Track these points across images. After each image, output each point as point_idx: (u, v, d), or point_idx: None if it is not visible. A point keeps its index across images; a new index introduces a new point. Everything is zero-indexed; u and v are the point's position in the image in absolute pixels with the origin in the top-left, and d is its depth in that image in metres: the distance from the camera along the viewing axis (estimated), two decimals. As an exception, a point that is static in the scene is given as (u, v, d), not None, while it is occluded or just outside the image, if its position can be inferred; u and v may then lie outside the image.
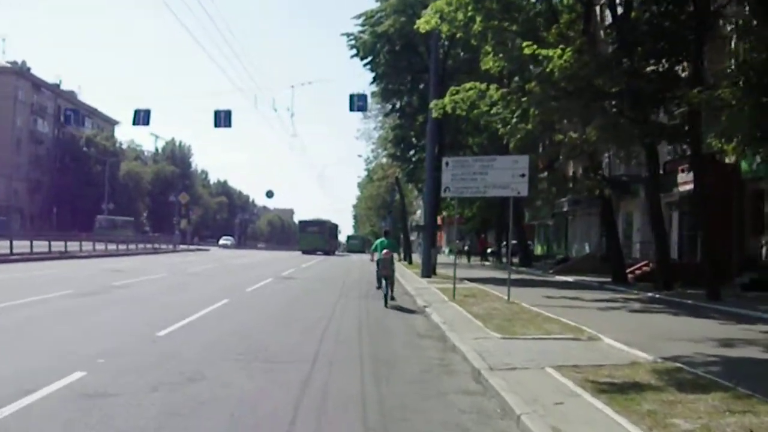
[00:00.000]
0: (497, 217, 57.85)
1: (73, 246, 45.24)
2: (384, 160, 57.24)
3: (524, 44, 21.68)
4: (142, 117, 36.44)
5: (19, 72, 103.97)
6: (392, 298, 20.81)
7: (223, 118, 35.63)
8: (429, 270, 32.54)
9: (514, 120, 24.50)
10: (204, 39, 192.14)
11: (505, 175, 20.59)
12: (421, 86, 36.74)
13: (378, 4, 36.93)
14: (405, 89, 38.70)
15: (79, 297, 18.90)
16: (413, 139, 40.02)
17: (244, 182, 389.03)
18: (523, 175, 20.33)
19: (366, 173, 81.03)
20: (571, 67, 20.73)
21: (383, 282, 21.23)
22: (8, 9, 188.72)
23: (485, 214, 59.54)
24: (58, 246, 43.05)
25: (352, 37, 36.95)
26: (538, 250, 63.43)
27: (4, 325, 13.53)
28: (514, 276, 37.81)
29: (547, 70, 21.16)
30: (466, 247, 66.96)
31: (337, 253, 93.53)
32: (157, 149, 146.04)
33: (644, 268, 33.65)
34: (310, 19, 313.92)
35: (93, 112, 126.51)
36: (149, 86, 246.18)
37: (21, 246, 38.11)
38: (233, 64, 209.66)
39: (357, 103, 34.86)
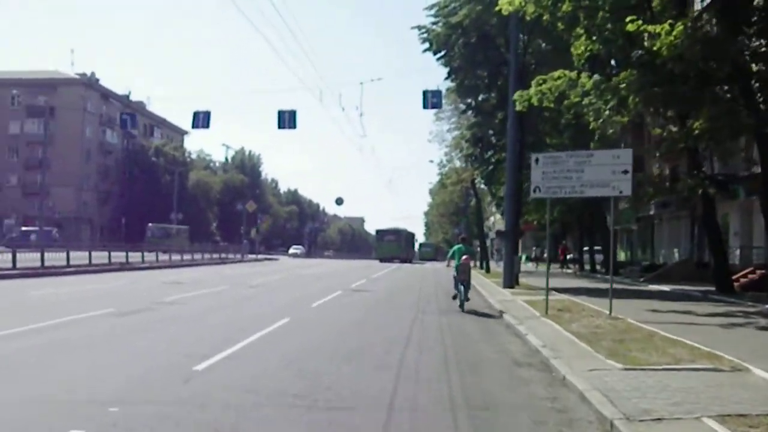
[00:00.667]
0: (578, 221, 54.82)
1: (135, 257, 43.66)
2: (458, 163, 54.72)
3: (628, 19, 18.83)
4: (201, 119, 34.38)
5: (88, 83, 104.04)
6: (467, 299, 21.58)
7: (287, 119, 33.34)
8: (512, 279, 29.76)
9: (607, 112, 21.84)
10: (272, 37, 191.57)
11: (605, 172, 17.88)
12: (500, 82, 33.92)
13: (450, -5, 34.20)
14: (482, 85, 35.87)
15: (119, 317, 16.59)
16: (492, 139, 37.33)
17: (314, 190, 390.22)
18: (626, 172, 17.58)
19: (438, 178, 78.64)
20: (682, 45, 17.82)
21: (461, 287, 21.48)
22: (77, 22, 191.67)
23: (565, 218, 56.42)
24: (119, 257, 41.32)
25: (424, 29, 34.25)
26: (621, 256, 59.99)
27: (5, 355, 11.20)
28: (601, 285, 35.28)
29: (655, 47, 18.28)
30: (544, 254, 63.98)
31: (414, 261, 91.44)
32: (227, 159, 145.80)
33: (750, 276, 30.46)
34: (377, 17, 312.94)
35: (162, 123, 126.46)
36: (217, 95, 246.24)
37: (79, 258, 36.47)
38: (302, 62, 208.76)
39: (431, 100, 32.15)
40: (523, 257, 71.85)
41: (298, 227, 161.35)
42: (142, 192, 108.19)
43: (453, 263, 21.99)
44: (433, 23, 34.23)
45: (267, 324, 15.61)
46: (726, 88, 20.76)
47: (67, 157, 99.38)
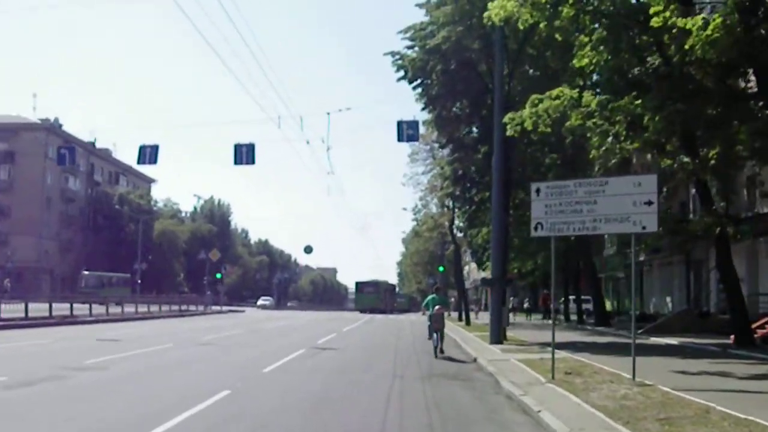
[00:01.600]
0: (563, 268, 51.58)
1: (82, 310, 39.69)
2: (434, 208, 51.38)
3: (652, 11, 15.39)
4: (148, 155, 30.49)
5: (50, 128, 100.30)
6: (442, 351, 22.49)
7: (245, 153, 29.43)
8: (499, 334, 26.03)
9: (610, 139, 18.52)
10: (239, 70, 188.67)
11: (624, 204, 14.42)
12: (483, 112, 30.57)
13: (427, 17, 30.76)
14: (463, 116, 32.45)
15: (3, 389, 12.71)
16: (474, 175, 34.01)
17: (285, 239, 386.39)
18: (649, 203, 14.14)
19: (412, 226, 75.47)
20: (720, 42, 14.36)
21: (435, 335, 22.58)
22: (41, 65, 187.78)
23: (548, 266, 52.99)
24: (62, 309, 37.31)
25: (397, 55, 30.85)
26: (608, 306, 56.72)
27: None
28: (597, 338, 31.92)
29: (687, 45, 14.86)
30: (526, 305, 60.50)
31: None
32: (195, 208, 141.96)
33: (769, 327, 27.03)
34: (348, 44, 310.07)
35: (128, 170, 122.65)
36: (187, 138, 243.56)
37: (19, 310, 32.93)
38: (277, 104, 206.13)
39: (406, 131, 27.88)
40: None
41: (269, 278, 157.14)
42: (106, 241, 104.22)
43: (428, 312, 23.01)
44: (409, 47, 30.90)
45: (196, 400, 11.75)
46: (760, 104, 17.39)
47: (28, 204, 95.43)
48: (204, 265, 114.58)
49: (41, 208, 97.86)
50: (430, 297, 23.95)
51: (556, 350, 16.28)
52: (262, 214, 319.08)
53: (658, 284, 46.94)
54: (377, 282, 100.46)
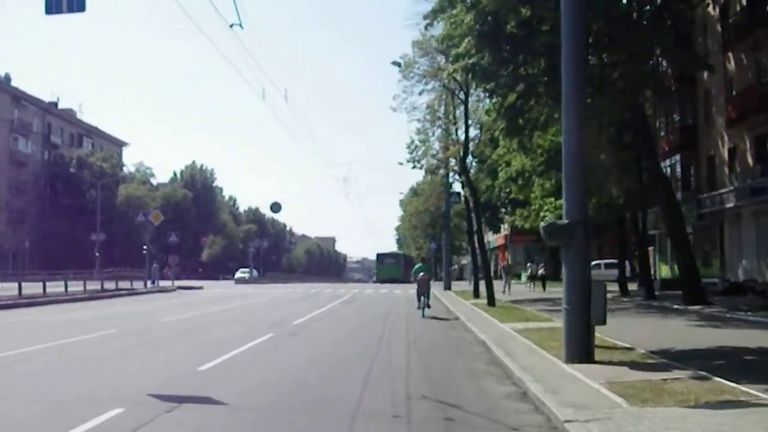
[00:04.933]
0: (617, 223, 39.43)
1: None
2: (437, 144, 37.76)
3: None
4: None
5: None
6: (428, 306, 25.55)
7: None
8: (583, 341, 12.95)
9: None
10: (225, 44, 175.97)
11: None
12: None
13: None
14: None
15: None
16: (516, 30, 20.96)
17: (282, 213, 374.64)
18: None
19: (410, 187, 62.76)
20: None
21: (422, 298, 25.24)
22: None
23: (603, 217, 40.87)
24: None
25: None
26: (663, 271, 44.17)
27: None
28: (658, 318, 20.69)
29: None
30: (541, 271, 47.56)
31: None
32: (175, 174, 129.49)
33: None
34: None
35: (93, 131, 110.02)
36: (174, 108, 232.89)
37: None
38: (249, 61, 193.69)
39: None
40: (523, 275, 55.86)
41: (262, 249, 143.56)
42: (67, 210, 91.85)
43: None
44: None
45: None
46: None
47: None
48: (180, 236, 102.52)
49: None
50: (417, 266, 28.20)
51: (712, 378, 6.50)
52: (258, 187, 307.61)
53: (752, 241, 34.52)
54: (397, 254, 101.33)
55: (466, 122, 30.85)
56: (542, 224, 13.60)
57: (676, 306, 26.62)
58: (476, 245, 35.97)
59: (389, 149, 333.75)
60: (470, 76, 24.54)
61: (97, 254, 69.59)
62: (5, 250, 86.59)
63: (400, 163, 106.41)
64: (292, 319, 23.02)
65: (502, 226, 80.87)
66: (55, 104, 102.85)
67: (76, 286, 39.52)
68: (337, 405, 9.69)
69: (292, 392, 10.50)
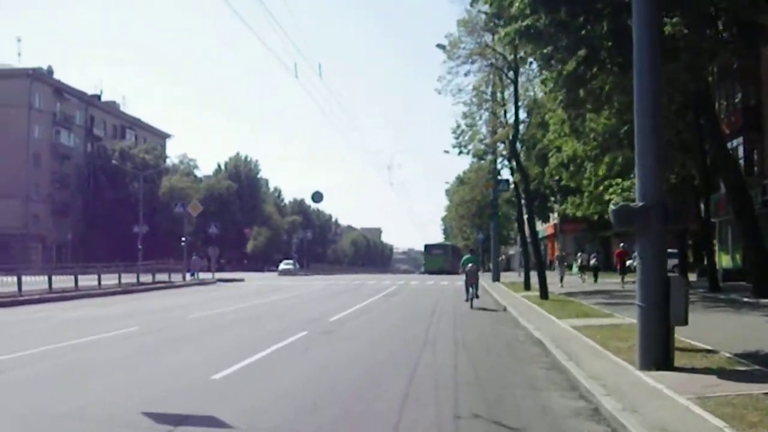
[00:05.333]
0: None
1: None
2: (484, 129, 35.65)
3: None
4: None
5: (35, 76, 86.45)
6: (477, 296, 25.21)
7: None
8: (662, 344, 10.83)
9: None
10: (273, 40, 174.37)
11: None
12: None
13: None
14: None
15: None
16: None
17: (326, 203, 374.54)
18: None
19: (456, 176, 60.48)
20: None
21: (470, 288, 24.96)
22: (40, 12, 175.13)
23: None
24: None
25: None
26: (724, 261, 41.69)
27: None
28: (729, 313, 18.44)
29: None
30: (593, 261, 44.72)
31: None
32: (219, 165, 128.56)
33: None
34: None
35: (136, 123, 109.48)
36: (219, 102, 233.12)
37: None
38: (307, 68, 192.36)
39: None
40: (574, 266, 53.58)
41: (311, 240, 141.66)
42: (109, 202, 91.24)
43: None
44: None
45: None
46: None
47: (10, 162, 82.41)
48: (223, 228, 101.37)
49: (27, 166, 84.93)
50: (465, 257, 27.75)
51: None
52: (296, 175, 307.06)
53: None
54: (445, 245, 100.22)
55: (516, 103, 28.68)
56: (611, 207, 11.41)
57: (745, 299, 24.41)
58: (527, 234, 34.01)
59: (433, 137, 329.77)
60: (524, 40, 22.25)
61: (140, 247, 68.50)
62: (48, 243, 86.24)
63: (446, 151, 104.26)
64: (329, 314, 21.30)
65: (551, 215, 78.42)
66: (98, 97, 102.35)
67: (111, 280, 38.16)
68: (369, 426, 7.96)
69: (316, 408, 8.75)
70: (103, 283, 36.28)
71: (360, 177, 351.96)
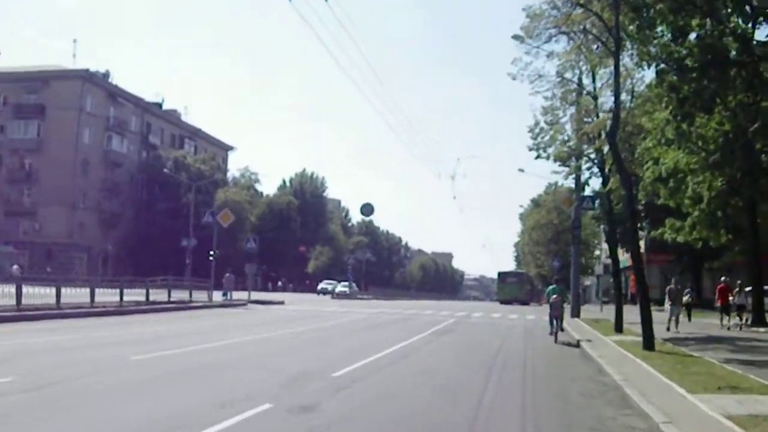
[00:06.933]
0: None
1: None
2: (569, 126, 28.33)
3: None
4: None
5: (88, 78, 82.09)
6: (561, 329, 23.78)
7: None
8: None
9: None
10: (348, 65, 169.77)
11: None
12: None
13: None
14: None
15: None
16: None
17: (396, 226, 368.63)
18: None
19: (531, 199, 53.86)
20: None
21: (554, 321, 23.43)
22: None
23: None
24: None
25: None
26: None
27: None
28: None
29: None
30: (686, 297, 36.01)
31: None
32: (284, 181, 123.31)
33: None
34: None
35: (196, 133, 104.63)
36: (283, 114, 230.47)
37: None
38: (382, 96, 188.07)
39: None
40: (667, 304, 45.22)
41: (376, 262, 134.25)
42: (163, 214, 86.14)
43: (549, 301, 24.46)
44: None
45: None
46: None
47: (58, 167, 78.22)
48: (281, 244, 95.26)
49: (75, 172, 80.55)
50: (550, 288, 25.23)
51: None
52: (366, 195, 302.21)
53: None
54: (520, 272, 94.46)
55: (616, 79, 20.47)
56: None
57: None
58: (629, 259, 26.82)
59: (505, 156, 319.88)
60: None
61: (188, 261, 62.60)
62: (94, 254, 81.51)
63: (521, 170, 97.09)
64: (338, 364, 14.31)
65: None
66: (160, 105, 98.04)
67: (135, 296, 33.55)
68: None
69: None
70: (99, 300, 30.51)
71: (428, 197, 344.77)
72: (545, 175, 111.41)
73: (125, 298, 31.92)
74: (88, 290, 29.74)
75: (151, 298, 34.38)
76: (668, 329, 26.06)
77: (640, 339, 19.52)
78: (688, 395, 11.08)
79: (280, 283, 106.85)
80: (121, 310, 29.92)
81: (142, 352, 15.25)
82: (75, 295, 29.10)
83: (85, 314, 26.71)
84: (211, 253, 46.74)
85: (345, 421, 9.29)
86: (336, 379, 12.64)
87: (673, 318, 28.07)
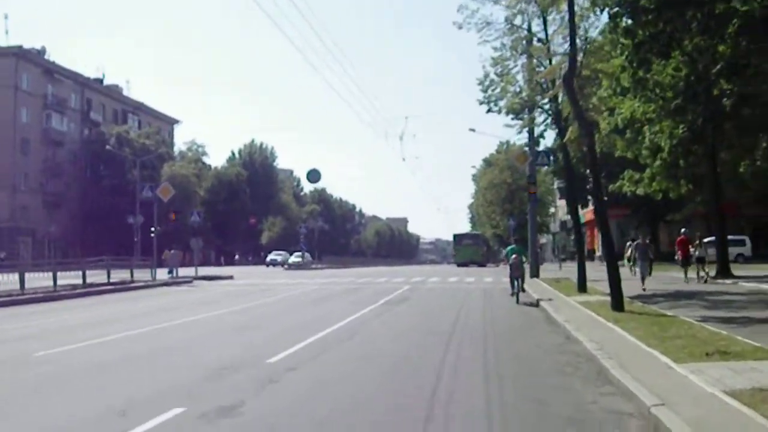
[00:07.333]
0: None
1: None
2: (521, 76, 26.63)
3: None
4: None
5: (22, 55, 78.98)
6: (523, 290, 23.52)
7: None
8: None
9: None
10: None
11: None
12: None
13: None
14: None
15: None
16: None
17: (350, 193, 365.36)
18: None
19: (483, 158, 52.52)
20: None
21: (515, 282, 23.22)
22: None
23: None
24: None
25: None
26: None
27: None
28: None
29: None
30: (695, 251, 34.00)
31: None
32: (232, 153, 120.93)
33: None
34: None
35: (139, 108, 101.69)
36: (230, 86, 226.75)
37: None
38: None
39: None
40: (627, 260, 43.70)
41: (329, 231, 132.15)
42: (108, 192, 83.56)
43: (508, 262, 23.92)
44: None
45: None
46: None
47: (-5, 149, 75.37)
48: (231, 216, 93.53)
49: (14, 153, 77.58)
50: (509, 248, 25.14)
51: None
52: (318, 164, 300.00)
53: None
54: (475, 234, 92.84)
55: (571, 18, 18.50)
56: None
57: None
58: (586, 215, 25.48)
59: (456, 116, 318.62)
60: None
61: (136, 239, 60.43)
62: (39, 237, 78.87)
63: (472, 130, 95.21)
64: (276, 347, 12.51)
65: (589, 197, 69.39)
66: (101, 80, 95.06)
67: (74, 279, 31.91)
68: None
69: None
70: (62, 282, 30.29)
71: (380, 162, 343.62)
72: (497, 133, 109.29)
73: (62, 282, 30.28)
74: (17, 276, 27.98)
75: (90, 280, 32.75)
76: (644, 289, 24.39)
77: (607, 299, 18.11)
78: (675, 365, 9.54)
79: (237, 257, 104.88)
80: (53, 295, 28.07)
81: (51, 347, 13.38)
82: (5, 282, 27.74)
83: (10, 303, 24.75)
84: (152, 229, 44.61)
85: (271, 427, 7.55)
86: (269, 366, 10.89)
87: (645, 275, 26.41)
